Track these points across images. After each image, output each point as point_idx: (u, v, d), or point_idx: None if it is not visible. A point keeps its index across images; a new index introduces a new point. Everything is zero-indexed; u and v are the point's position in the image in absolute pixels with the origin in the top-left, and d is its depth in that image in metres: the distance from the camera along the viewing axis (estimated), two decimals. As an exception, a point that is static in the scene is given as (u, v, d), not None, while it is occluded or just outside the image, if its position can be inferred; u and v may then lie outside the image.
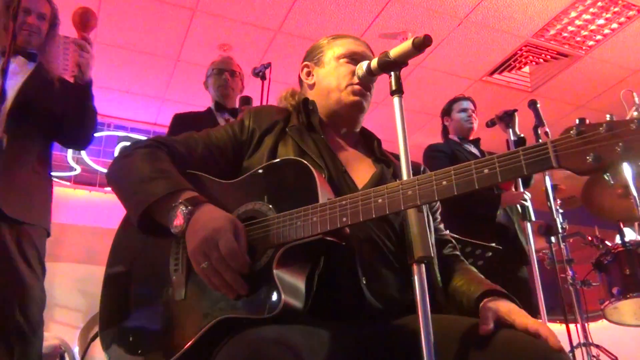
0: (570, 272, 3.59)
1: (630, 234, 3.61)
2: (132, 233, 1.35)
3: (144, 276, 1.31)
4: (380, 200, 1.07)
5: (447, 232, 1.54)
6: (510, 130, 3.13)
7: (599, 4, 4.57)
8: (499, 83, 5.63)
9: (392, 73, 1.28)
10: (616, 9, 4.63)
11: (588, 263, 3.75)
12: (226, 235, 1.09)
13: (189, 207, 1.16)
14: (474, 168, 1.00)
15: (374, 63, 1.34)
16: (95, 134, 2.57)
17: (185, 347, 1.10)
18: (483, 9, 4.58)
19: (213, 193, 1.29)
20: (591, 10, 4.65)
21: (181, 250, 1.23)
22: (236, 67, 3.40)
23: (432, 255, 1.07)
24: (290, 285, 1.09)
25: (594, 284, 3.63)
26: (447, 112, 3.71)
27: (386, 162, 1.46)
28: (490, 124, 3.39)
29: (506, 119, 3.16)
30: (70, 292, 4.13)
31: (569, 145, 0.93)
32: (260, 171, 1.29)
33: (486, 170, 0.98)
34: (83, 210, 5.31)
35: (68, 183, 5.54)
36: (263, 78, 3.11)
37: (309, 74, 1.61)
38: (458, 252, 1.51)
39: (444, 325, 1.12)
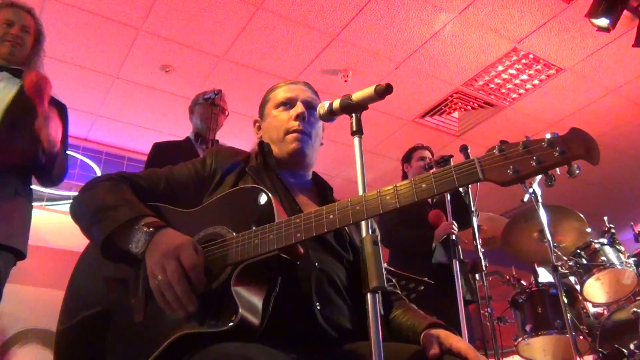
0: (488, 309, 3.80)
1: (544, 275, 3.88)
2: (95, 258, 1.37)
3: (106, 302, 1.32)
4: (331, 216, 1.17)
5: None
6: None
7: (524, 61, 4.98)
8: (430, 125, 5.94)
9: (353, 115, 1.38)
10: (538, 67, 5.06)
11: (504, 300, 4.00)
12: (188, 249, 1.17)
13: (151, 229, 1.23)
14: (414, 184, 1.13)
15: (336, 104, 1.43)
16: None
17: None
18: (420, 55, 4.86)
19: (174, 221, 1.35)
20: (516, 66, 5.05)
21: (141, 274, 1.26)
22: (227, 106, 3.42)
23: (385, 286, 1.15)
24: (247, 301, 1.15)
25: (509, 320, 3.87)
26: (407, 159, 4.04)
27: None
28: (428, 167, 3.63)
29: (442, 163, 3.37)
30: (-15, 311, 3.89)
31: (492, 160, 1.08)
32: (219, 199, 1.37)
33: (424, 185, 1.12)
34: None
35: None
36: (213, 104, 3.14)
37: (259, 128, 1.73)
38: (398, 290, 1.63)
39: (391, 352, 1.21)
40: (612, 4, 3.82)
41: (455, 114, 5.82)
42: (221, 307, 1.13)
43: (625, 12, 4.09)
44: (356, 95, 1.38)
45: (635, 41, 4.15)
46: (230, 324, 1.08)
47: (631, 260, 3.62)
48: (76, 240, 1.55)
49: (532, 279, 3.79)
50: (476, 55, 4.90)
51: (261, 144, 1.60)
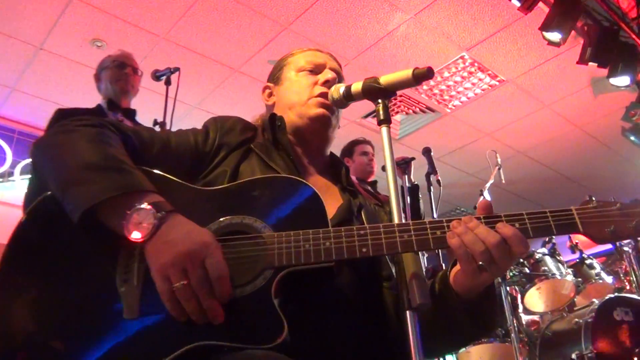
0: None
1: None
2: (46, 232, 1.08)
3: (71, 287, 1.02)
4: (406, 237, 1.00)
5: None
6: (406, 177, 3.22)
7: (470, 69, 5.01)
8: (370, 127, 5.86)
9: (380, 102, 1.19)
10: (482, 77, 5.12)
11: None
12: (217, 252, 0.94)
13: (159, 213, 0.97)
14: (504, 220, 1.02)
15: (357, 87, 1.25)
16: None
17: None
18: (371, 54, 4.76)
19: (179, 198, 1.09)
20: (462, 73, 5.08)
21: (137, 257, 1.00)
22: (137, 65, 3.09)
23: (430, 302, 0.98)
24: (289, 315, 0.96)
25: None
26: (348, 153, 3.84)
27: (353, 193, 1.36)
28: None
29: (403, 165, 3.26)
30: None
31: (590, 215, 1.04)
32: (248, 184, 1.14)
33: (517, 225, 1.01)
34: None
35: None
36: (168, 83, 2.82)
37: (270, 94, 1.51)
38: None
39: None
40: (565, 19, 3.89)
41: (398, 117, 5.78)
42: (258, 319, 0.95)
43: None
44: (385, 79, 1.20)
45: (580, 58, 4.27)
46: (273, 343, 0.90)
47: (570, 271, 3.70)
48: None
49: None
50: (426, 59, 4.86)
51: (273, 117, 1.37)
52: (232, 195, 1.11)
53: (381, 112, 1.18)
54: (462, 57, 4.85)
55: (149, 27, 4.38)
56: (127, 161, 1.05)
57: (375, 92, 1.21)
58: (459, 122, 5.84)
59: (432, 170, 3.08)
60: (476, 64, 4.95)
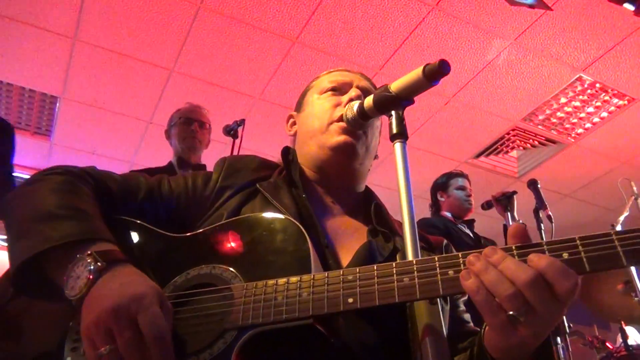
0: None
1: (634, 335, 3.26)
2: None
3: (18, 354, 0.90)
4: (406, 280, 0.73)
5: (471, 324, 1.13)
6: (509, 214, 2.82)
7: (590, 91, 4.47)
8: (485, 167, 5.43)
9: (393, 113, 0.97)
10: (606, 98, 4.54)
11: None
12: (152, 307, 0.74)
13: (99, 263, 0.81)
14: (547, 249, 0.72)
15: (369, 101, 1.03)
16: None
17: None
18: (472, 88, 4.44)
19: (153, 248, 0.95)
20: (581, 97, 4.54)
21: None
22: (205, 118, 3.11)
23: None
24: None
25: (593, 391, 3.24)
26: (443, 187, 3.46)
27: (385, 235, 1.10)
28: (487, 206, 3.11)
29: (504, 201, 2.87)
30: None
31: None
32: (226, 226, 0.96)
33: (565, 255, 0.70)
34: None
35: None
36: (235, 137, 2.80)
37: (292, 124, 1.34)
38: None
39: None
40: (696, 18, 3.32)
41: (514, 153, 5.30)
42: None
43: None
44: (396, 85, 0.98)
45: None
46: None
47: None
48: None
49: (620, 340, 3.17)
50: (535, 86, 4.43)
51: (285, 151, 1.20)
52: (205, 242, 0.94)
53: (394, 125, 0.95)
54: (579, 79, 4.34)
55: (243, 90, 4.49)
56: (85, 208, 0.92)
57: (388, 102, 0.98)
58: (588, 151, 5.21)
59: (540, 204, 2.66)
60: (597, 85, 4.40)
